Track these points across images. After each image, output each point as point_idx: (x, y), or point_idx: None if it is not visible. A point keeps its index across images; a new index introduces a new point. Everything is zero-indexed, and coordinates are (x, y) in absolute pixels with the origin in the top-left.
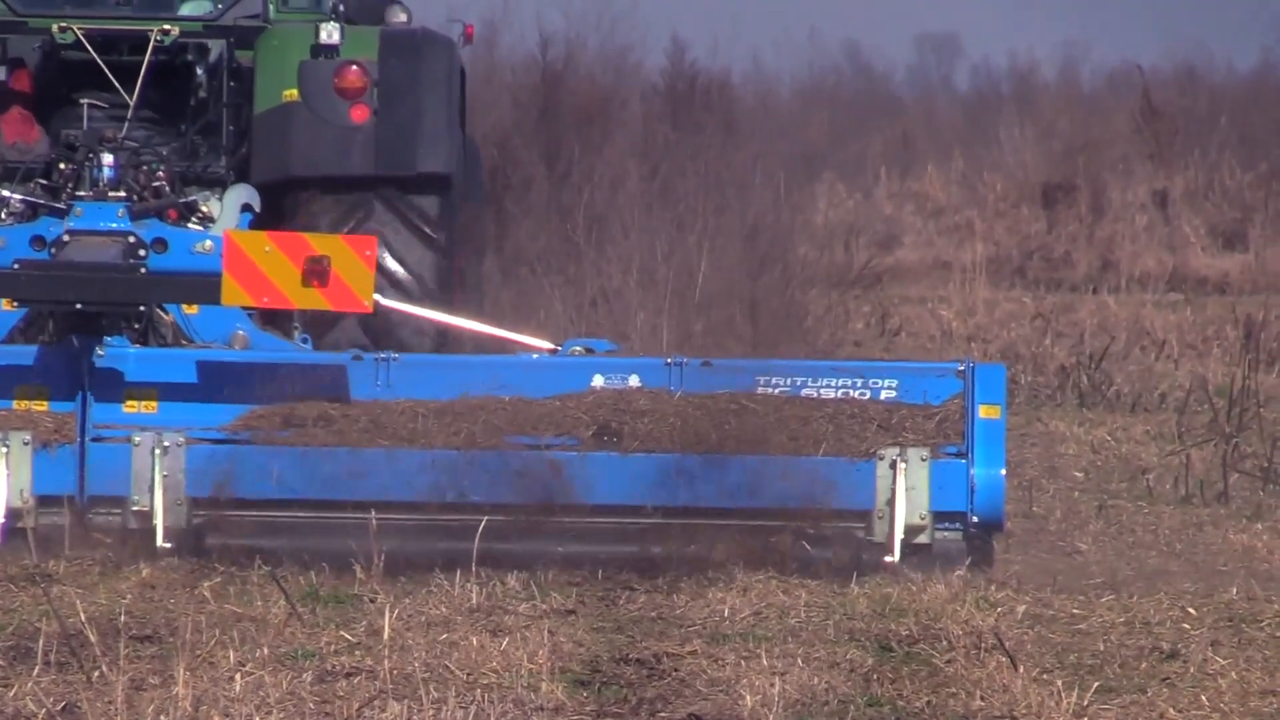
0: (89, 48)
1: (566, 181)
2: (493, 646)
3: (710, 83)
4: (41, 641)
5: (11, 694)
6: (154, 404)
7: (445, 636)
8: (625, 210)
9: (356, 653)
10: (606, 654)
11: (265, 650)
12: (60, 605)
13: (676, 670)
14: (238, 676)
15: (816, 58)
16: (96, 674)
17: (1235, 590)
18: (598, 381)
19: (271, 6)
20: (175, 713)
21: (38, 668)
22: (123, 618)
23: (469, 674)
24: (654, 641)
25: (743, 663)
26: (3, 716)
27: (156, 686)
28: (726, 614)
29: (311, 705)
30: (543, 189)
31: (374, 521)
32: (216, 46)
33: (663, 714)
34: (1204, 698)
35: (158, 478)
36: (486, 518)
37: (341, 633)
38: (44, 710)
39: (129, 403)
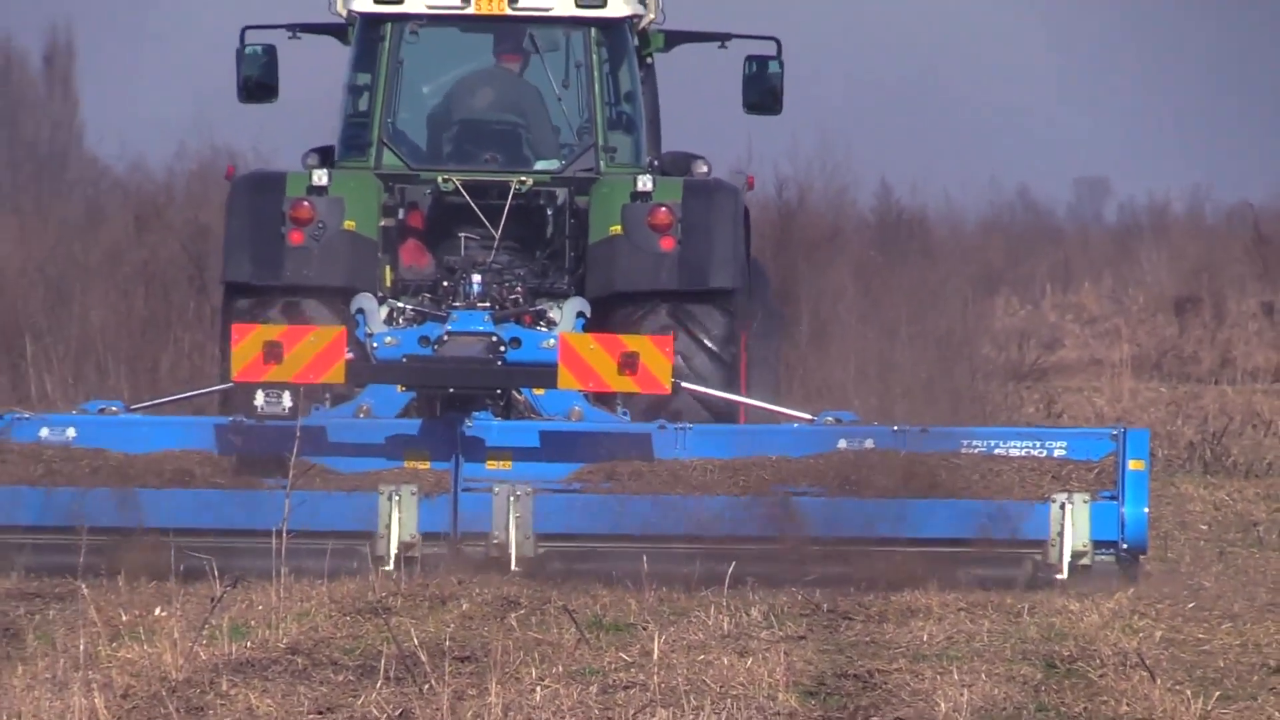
0: (465, 194)
1: (797, 295)
2: (739, 665)
3: (911, 217)
4: (383, 661)
5: (359, 702)
6: (509, 463)
7: (702, 657)
8: (844, 318)
9: (632, 670)
10: (830, 671)
11: (560, 668)
12: (398, 632)
13: (885, 684)
14: (538, 689)
15: (994, 196)
16: (426, 687)
17: None
18: (842, 444)
19: (602, 162)
20: (489, 717)
21: (380, 682)
22: (447, 642)
23: (721, 686)
24: (868, 661)
25: (938, 677)
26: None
27: (474, 697)
28: (925, 639)
29: (596, 712)
30: (780, 301)
31: (645, 565)
32: (560, 193)
33: (875, 718)
34: None
35: (512, 519)
36: (748, 548)
37: (620, 654)
38: (385, 715)
39: (490, 462)
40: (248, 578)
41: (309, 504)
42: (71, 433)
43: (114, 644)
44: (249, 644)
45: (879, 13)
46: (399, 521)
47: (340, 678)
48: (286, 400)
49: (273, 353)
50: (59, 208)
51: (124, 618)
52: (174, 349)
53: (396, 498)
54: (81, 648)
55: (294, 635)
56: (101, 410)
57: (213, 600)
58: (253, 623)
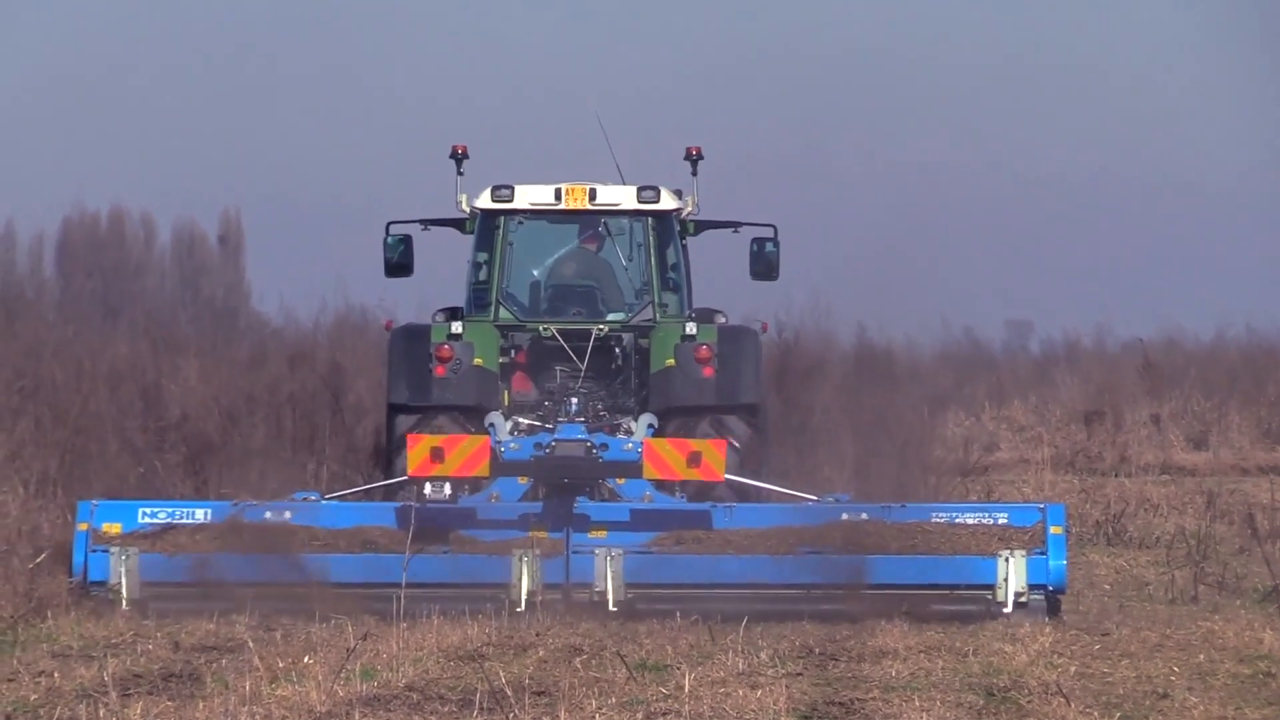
0: (559, 339)
1: (794, 411)
2: (751, 696)
3: (880, 351)
4: (478, 696)
5: None
6: (604, 532)
7: (723, 690)
8: (831, 430)
9: (668, 700)
10: (821, 699)
11: (614, 699)
12: (490, 673)
13: (863, 709)
14: (597, 716)
15: (944, 334)
16: (512, 716)
17: (1203, 656)
18: (844, 516)
19: (657, 314)
20: None
21: (476, 712)
22: (527, 680)
23: (737, 713)
24: (849, 691)
25: (903, 704)
26: None
27: None
28: (893, 674)
29: None
30: (780, 416)
31: (678, 616)
32: (627, 337)
33: None
34: None
35: (609, 573)
36: (782, 592)
37: (659, 688)
38: None
39: (591, 532)
40: (412, 619)
41: (462, 564)
42: (288, 514)
43: (272, 685)
44: (375, 684)
45: (854, 196)
46: (527, 576)
47: (445, 709)
48: (447, 489)
49: (437, 454)
50: (231, 352)
51: (280, 664)
52: (317, 457)
53: (525, 559)
54: (247, 688)
55: (410, 676)
56: (305, 499)
57: (348, 651)
58: (378, 667)
